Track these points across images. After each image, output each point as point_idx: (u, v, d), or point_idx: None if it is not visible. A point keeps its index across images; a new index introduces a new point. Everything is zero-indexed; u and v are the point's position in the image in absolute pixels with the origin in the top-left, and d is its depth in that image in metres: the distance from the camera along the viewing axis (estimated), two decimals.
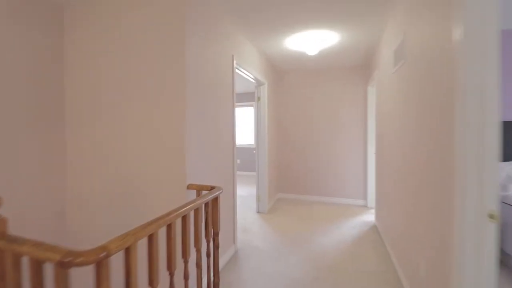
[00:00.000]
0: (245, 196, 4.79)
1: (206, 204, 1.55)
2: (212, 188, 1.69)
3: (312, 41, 3.01)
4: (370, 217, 3.63)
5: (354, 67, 4.19)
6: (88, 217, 2.03)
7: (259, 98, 3.77)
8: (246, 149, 7.06)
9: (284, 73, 4.59)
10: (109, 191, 1.95)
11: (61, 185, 2.08)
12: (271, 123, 4.14)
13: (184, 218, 1.28)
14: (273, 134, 4.29)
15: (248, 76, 3.14)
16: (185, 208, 1.23)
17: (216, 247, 1.63)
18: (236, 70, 2.88)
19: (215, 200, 1.63)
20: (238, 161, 7.12)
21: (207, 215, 1.55)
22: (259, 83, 3.67)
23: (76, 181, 2.05)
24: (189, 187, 1.75)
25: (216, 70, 2.19)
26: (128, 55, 1.86)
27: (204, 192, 1.78)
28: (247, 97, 6.98)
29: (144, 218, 1.84)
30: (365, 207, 4.09)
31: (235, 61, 2.54)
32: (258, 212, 3.82)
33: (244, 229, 3.17)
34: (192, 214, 1.83)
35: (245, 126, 7.11)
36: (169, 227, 1.16)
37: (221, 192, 1.65)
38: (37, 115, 1.88)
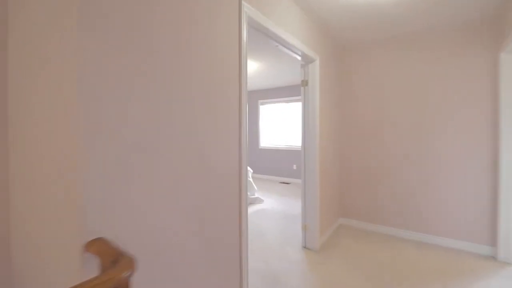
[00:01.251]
0: (295, 216, 3.62)
1: None
2: (116, 258, 0.71)
3: None
4: (506, 284, 1.98)
5: (469, 24, 2.52)
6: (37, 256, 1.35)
7: (306, 82, 2.60)
8: None
9: (347, 47, 3.25)
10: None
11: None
12: (326, 117, 2.89)
13: None
14: (329, 132, 3.02)
15: (281, 44, 2.04)
16: None
17: None
18: (263, 34, 1.84)
19: None
20: (294, 166, 5.96)
21: None
22: (306, 60, 2.51)
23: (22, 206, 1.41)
24: (89, 248, 0.82)
25: (197, 23, 1.22)
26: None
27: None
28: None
29: None
30: (493, 259, 2.38)
31: (245, 10, 1.51)
32: (304, 247, 2.64)
33: (273, 282, 2.07)
34: None
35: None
36: None
37: (129, 275, 0.67)
38: None
